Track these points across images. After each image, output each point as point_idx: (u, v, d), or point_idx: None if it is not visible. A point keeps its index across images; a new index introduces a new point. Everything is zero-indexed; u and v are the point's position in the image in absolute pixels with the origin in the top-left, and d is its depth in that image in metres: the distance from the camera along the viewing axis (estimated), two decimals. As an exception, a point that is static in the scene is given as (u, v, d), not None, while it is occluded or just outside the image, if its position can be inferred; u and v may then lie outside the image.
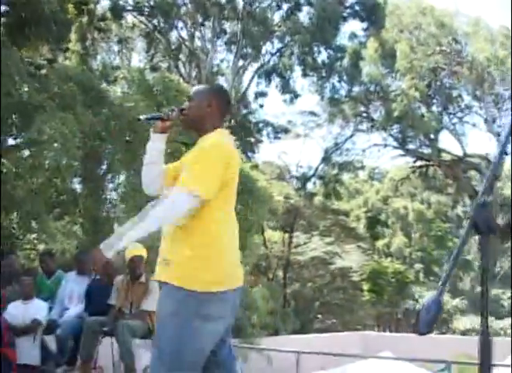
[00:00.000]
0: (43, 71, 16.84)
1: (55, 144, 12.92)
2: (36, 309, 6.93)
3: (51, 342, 7.19)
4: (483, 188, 2.23)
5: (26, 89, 13.54)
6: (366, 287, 32.18)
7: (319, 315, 33.83)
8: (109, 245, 3.31)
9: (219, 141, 3.41)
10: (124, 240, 3.28)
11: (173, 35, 28.91)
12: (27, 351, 6.76)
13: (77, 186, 16.23)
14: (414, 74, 28.98)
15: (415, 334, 2.21)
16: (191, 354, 3.26)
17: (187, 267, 3.29)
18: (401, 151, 33.03)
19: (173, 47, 28.87)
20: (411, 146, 32.21)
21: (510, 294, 30.36)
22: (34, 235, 16.45)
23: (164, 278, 3.35)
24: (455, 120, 31.68)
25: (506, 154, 2.28)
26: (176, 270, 3.31)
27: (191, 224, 3.30)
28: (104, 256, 3.30)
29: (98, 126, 13.98)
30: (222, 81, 31.31)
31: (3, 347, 6.30)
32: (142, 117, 3.81)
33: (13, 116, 14.38)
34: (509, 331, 25.15)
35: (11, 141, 15.61)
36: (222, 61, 30.88)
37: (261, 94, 31.48)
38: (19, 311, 6.83)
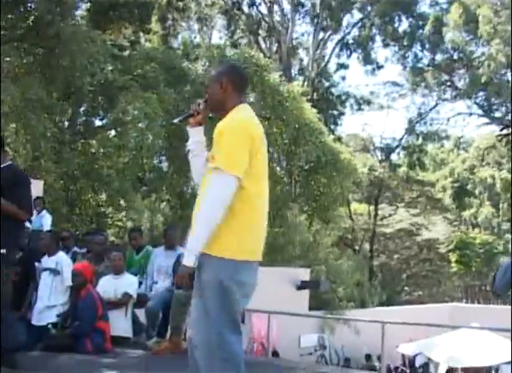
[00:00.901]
0: (126, 53, 17.21)
1: (140, 124, 13.23)
2: (127, 283, 7.12)
3: (142, 315, 7.39)
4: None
5: (110, 70, 13.86)
6: (453, 258, 31.68)
7: (406, 288, 33.62)
8: (188, 256, 3.40)
9: (233, 119, 3.45)
10: (197, 243, 3.40)
11: (253, 11, 28.93)
12: (119, 324, 6.97)
13: (163, 165, 16.57)
14: (499, 39, 28.14)
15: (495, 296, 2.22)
16: (232, 314, 3.43)
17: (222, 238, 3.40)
18: (486, 120, 32.24)
19: (252, 22, 28.89)
20: (497, 114, 31.40)
21: None
22: (123, 213, 16.92)
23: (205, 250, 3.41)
24: (543, 85, 30.67)
25: None
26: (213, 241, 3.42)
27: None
28: (189, 269, 3.43)
29: (181, 104, 14.20)
30: (302, 54, 31.26)
31: (98, 320, 6.55)
32: (175, 121, 3.89)
33: (99, 98, 14.78)
34: None
35: (98, 123, 16.05)
36: (302, 34, 30.75)
37: (342, 66, 31.27)
38: (111, 286, 7.04)
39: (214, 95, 3.61)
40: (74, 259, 8.05)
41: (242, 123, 3.44)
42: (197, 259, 3.35)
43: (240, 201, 3.45)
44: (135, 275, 7.75)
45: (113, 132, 15.02)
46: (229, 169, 3.32)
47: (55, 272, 7.09)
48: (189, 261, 3.38)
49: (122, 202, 15.03)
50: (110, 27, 18.49)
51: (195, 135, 3.77)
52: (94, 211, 15.97)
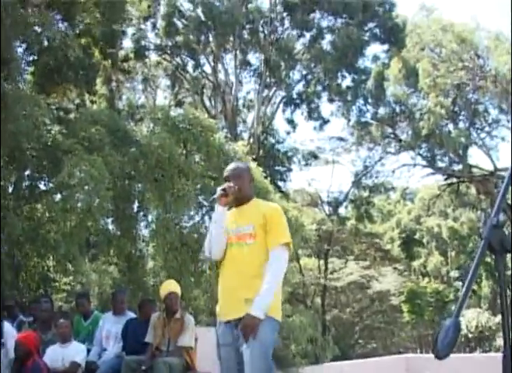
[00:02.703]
0: (72, 115, 17.17)
1: (86, 187, 13.11)
2: (75, 352, 7.00)
3: (92, 383, 7.25)
4: (495, 208, 2.27)
5: (55, 134, 13.78)
6: (405, 308, 31.87)
7: (360, 340, 33.57)
8: (257, 308, 4.09)
9: (271, 204, 4.63)
10: (267, 297, 4.15)
11: (197, 70, 29.23)
12: (68, 394, 6.83)
13: (110, 227, 16.40)
14: (438, 91, 28.92)
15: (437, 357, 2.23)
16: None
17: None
18: (430, 170, 32.86)
19: (196, 82, 29.16)
20: (440, 164, 32.01)
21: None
22: (70, 277, 16.61)
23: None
24: (483, 135, 31.49)
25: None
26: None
27: (260, 267, 4.24)
28: (258, 320, 4.10)
29: (127, 166, 14.16)
30: (248, 112, 31.57)
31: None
32: (215, 197, 4.46)
33: (43, 162, 14.63)
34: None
35: (42, 187, 15.84)
36: (250, 93, 31.12)
37: (288, 122, 31.64)
38: (58, 355, 6.90)
39: (248, 187, 4.44)
40: (19, 329, 7.88)
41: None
42: (260, 312, 4.07)
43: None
44: (84, 342, 7.62)
45: (59, 196, 14.83)
46: (288, 240, 4.33)
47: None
48: (260, 314, 4.07)
49: (70, 266, 14.77)
50: (55, 90, 18.46)
51: (223, 213, 4.38)
52: (40, 277, 15.65)
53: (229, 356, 4.38)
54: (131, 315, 8.37)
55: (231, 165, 4.66)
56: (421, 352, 32.37)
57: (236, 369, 4.32)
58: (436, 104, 28.57)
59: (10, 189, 15.74)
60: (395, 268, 33.79)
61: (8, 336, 6.92)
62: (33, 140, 13.26)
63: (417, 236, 33.87)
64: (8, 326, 7.13)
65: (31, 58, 17.13)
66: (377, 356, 26.03)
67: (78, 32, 18.37)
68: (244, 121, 31.74)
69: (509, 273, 23.50)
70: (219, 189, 4.45)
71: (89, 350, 7.56)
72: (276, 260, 4.22)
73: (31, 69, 17.36)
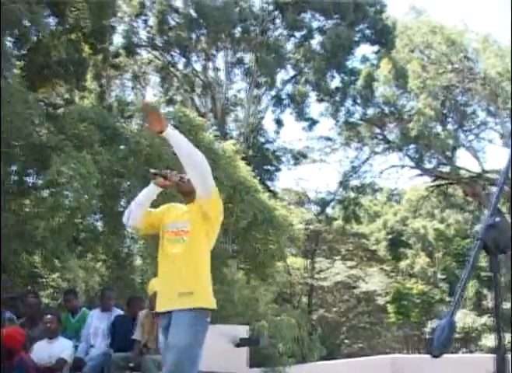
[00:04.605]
0: (60, 111, 17.08)
1: (74, 184, 13.06)
2: (62, 348, 6.97)
3: (79, 380, 7.22)
4: (490, 209, 2.27)
5: (43, 131, 13.72)
6: (391, 309, 31.95)
7: (346, 340, 33.63)
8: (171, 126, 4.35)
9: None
10: (179, 134, 4.39)
11: (188, 68, 29.19)
12: (55, 390, 6.79)
13: (98, 224, 16.35)
14: (427, 93, 29.04)
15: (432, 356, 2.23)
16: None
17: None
18: (418, 171, 32.97)
19: (186, 79, 29.13)
20: (428, 165, 32.15)
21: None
22: (57, 274, 16.56)
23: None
24: (471, 137, 31.67)
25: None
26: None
27: (195, 263, 4.42)
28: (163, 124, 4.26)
29: (116, 163, 14.12)
30: (237, 110, 31.56)
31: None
32: (152, 171, 4.86)
33: (31, 158, 14.57)
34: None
35: (30, 182, 15.77)
36: (238, 91, 31.10)
37: (277, 122, 31.64)
38: (45, 351, 6.87)
39: (189, 184, 4.53)
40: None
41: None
42: (170, 129, 4.30)
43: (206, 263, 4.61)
44: (71, 338, 7.59)
45: (47, 192, 14.78)
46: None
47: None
48: (170, 128, 4.31)
49: (57, 263, 14.72)
50: (44, 85, 18.38)
51: (153, 191, 4.68)
52: (27, 273, 15.59)
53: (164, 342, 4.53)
54: (119, 312, 8.35)
55: None
56: (407, 352, 32.44)
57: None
58: (426, 106, 28.70)
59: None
60: (382, 269, 33.85)
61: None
62: (21, 136, 13.20)
63: (404, 237, 33.94)
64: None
65: (20, 53, 17.06)
66: (363, 356, 26.09)
67: (68, 27, 18.30)
68: (234, 120, 31.73)
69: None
70: (163, 171, 4.72)
71: (76, 347, 7.54)
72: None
73: (20, 64, 17.27)
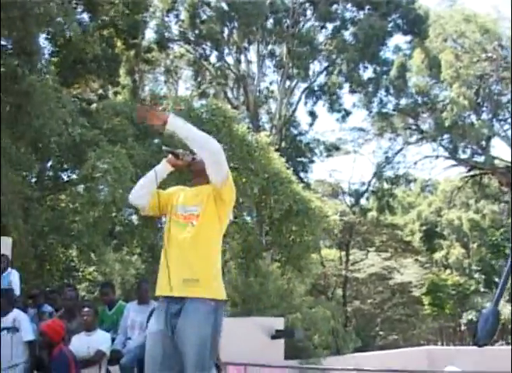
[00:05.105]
0: (94, 107, 17.26)
1: (109, 178, 13.20)
2: (100, 340, 7.05)
3: (116, 372, 7.30)
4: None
5: (78, 127, 13.87)
6: (426, 301, 31.75)
7: (381, 332, 33.54)
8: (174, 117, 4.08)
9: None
10: (183, 122, 4.10)
11: (220, 61, 29.28)
12: (93, 382, 6.90)
13: (133, 217, 16.52)
14: (461, 82, 28.72)
15: (476, 347, 2.23)
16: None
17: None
18: (452, 162, 32.65)
19: (219, 73, 29.21)
20: (462, 155, 31.81)
21: None
22: (93, 268, 16.78)
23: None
24: (506, 127, 31.21)
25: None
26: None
27: (204, 249, 4.13)
28: (165, 115, 4.05)
29: (150, 157, 14.24)
30: (270, 103, 31.58)
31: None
32: (164, 148, 4.61)
33: (67, 153, 14.77)
34: None
35: (66, 178, 15.99)
36: (273, 84, 31.11)
37: (310, 113, 31.59)
38: (83, 343, 6.96)
39: (201, 163, 4.24)
40: (40, 318, 7.99)
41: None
42: (173, 119, 4.02)
43: (216, 251, 4.26)
44: (108, 331, 7.67)
45: (82, 186, 14.97)
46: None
47: (14, 330, 7.02)
48: (171, 116, 4.04)
49: (93, 256, 14.91)
50: (78, 81, 18.57)
51: (164, 170, 4.48)
52: (64, 266, 15.82)
53: (155, 343, 4.12)
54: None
55: None
56: (442, 344, 32.30)
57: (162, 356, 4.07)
58: (459, 95, 28.37)
59: (34, 180, 15.91)
60: (416, 260, 33.67)
61: (22, 320, 7.04)
62: (56, 133, 13.37)
63: (438, 229, 33.65)
64: (20, 312, 7.23)
65: (54, 50, 17.25)
66: (398, 347, 26.03)
67: (101, 23, 18.46)
68: (267, 112, 31.73)
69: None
70: (175, 150, 4.49)
71: (113, 340, 7.63)
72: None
73: (54, 60, 17.47)
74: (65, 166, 16.03)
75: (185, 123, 4.10)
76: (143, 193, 4.36)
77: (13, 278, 9.61)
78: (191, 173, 4.48)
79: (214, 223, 4.19)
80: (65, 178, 16.25)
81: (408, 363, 17.87)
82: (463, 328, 32.32)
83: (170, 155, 4.44)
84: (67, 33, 15.40)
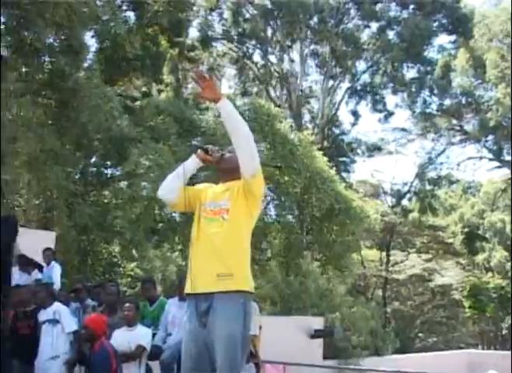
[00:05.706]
0: (138, 104, 17.44)
1: (151, 175, 13.32)
2: (141, 335, 7.11)
3: (156, 367, 7.36)
4: None
5: (122, 124, 14.03)
6: (467, 303, 31.38)
7: (420, 334, 33.25)
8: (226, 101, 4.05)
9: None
10: (233, 108, 4.01)
11: (263, 60, 29.33)
12: (134, 376, 6.97)
13: (175, 214, 16.62)
14: (506, 83, 28.33)
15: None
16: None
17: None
18: (497, 163, 32.24)
19: (262, 71, 29.25)
20: (507, 157, 31.40)
21: None
22: (135, 264, 16.94)
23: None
24: (553, 128, 30.71)
25: None
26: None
27: (235, 244, 4.08)
28: (215, 85, 3.99)
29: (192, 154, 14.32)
30: (313, 102, 31.54)
31: (111, 373, 6.55)
32: (194, 143, 4.51)
33: (110, 150, 14.93)
34: None
35: (109, 174, 16.16)
36: (315, 83, 31.08)
37: (353, 113, 31.50)
38: (125, 338, 7.03)
39: (231, 161, 4.19)
40: (84, 312, 8.10)
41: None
42: (226, 100, 4.01)
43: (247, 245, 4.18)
44: (149, 327, 7.73)
45: (125, 183, 15.13)
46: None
47: (54, 322, 7.16)
48: (224, 97, 4.02)
49: (135, 252, 15.06)
50: (122, 79, 18.76)
51: (194, 164, 4.40)
52: (106, 262, 16.00)
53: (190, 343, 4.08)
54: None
55: None
56: (482, 348, 31.86)
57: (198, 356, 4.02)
58: (504, 95, 27.99)
59: (78, 176, 16.12)
60: (458, 262, 33.30)
61: (62, 312, 7.19)
62: (100, 129, 13.54)
63: (480, 231, 33.23)
64: (60, 305, 7.37)
65: (99, 47, 17.45)
66: (437, 350, 25.77)
67: (145, 21, 18.62)
68: (309, 111, 31.69)
69: None
70: (206, 145, 4.44)
71: (154, 335, 7.69)
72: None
73: (100, 58, 17.66)
74: (108, 163, 16.20)
75: (234, 109, 4.04)
76: (172, 187, 4.31)
77: (55, 272, 9.77)
78: (218, 172, 4.42)
79: (245, 217, 4.15)
80: (108, 174, 16.42)
81: (448, 366, 17.71)
82: (504, 332, 31.87)
83: (199, 151, 4.39)
84: (112, 31, 15.58)
